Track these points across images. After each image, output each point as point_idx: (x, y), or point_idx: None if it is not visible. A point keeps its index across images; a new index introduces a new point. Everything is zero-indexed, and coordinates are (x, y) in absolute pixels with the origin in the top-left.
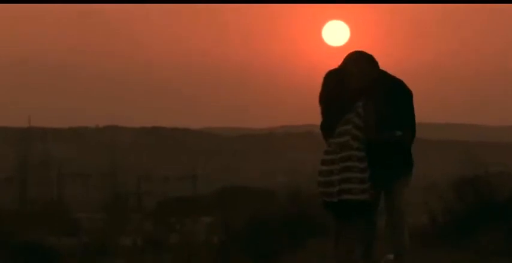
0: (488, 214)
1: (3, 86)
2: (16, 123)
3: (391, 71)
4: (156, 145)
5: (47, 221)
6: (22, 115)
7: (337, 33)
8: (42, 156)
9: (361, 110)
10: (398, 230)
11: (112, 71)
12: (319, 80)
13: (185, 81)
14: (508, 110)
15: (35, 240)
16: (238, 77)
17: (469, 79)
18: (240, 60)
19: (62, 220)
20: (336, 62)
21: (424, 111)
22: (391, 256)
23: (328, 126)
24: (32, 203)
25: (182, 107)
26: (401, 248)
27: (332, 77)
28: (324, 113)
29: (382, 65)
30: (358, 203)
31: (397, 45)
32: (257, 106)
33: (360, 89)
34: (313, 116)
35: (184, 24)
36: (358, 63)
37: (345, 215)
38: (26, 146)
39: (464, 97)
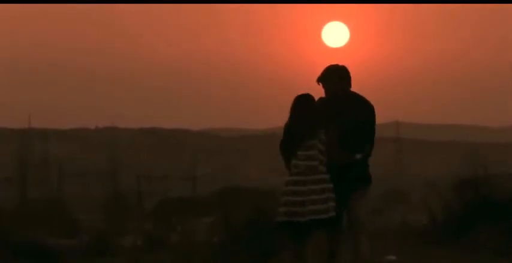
0: (488, 213)
1: (2, 86)
2: (16, 124)
3: (390, 71)
4: (155, 146)
5: (47, 221)
6: (22, 115)
7: (336, 35)
8: (42, 156)
9: (323, 137)
10: (358, 237)
11: (112, 71)
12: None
13: (185, 82)
14: (508, 111)
15: (35, 240)
16: (238, 77)
17: (468, 79)
18: (239, 60)
19: (62, 220)
20: (335, 63)
21: (423, 112)
22: (392, 257)
23: (291, 149)
24: (32, 203)
25: (182, 107)
26: (356, 253)
27: (300, 103)
28: (288, 136)
29: (383, 66)
30: (326, 221)
31: (396, 46)
32: (257, 107)
33: (324, 115)
34: None
35: (184, 24)
36: (329, 80)
37: (306, 234)
38: (26, 146)
39: (463, 98)
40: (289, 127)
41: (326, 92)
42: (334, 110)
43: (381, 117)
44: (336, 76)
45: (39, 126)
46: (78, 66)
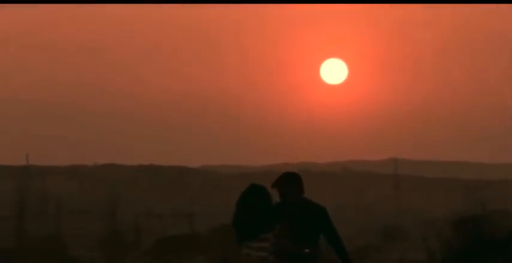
0: (486, 250)
1: (0, 124)
2: (14, 161)
3: (389, 109)
4: (154, 182)
5: (45, 258)
6: (20, 153)
7: (335, 72)
8: (41, 193)
9: (277, 231)
10: None
11: (109, 108)
12: (318, 119)
13: (183, 119)
14: (506, 148)
15: None
16: (236, 114)
17: (466, 116)
18: (238, 98)
19: (60, 257)
20: (333, 101)
21: (421, 149)
22: None
23: (243, 238)
24: (31, 240)
25: (180, 145)
26: None
27: (254, 195)
28: (240, 227)
29: (381, 102)
30: None
31: (395, 82)
32: (255, 144)
33: (277, 210)
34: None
35: (183, 60)
36: (283, 185)
37: None
38: (24, 184)
39: (461, 134)
40: (245, 218)
41: (281, 197)
42: (288, 212)
43: (379, 154)
44: (290, 183)
45: (37, 163)
46: (75, 102)
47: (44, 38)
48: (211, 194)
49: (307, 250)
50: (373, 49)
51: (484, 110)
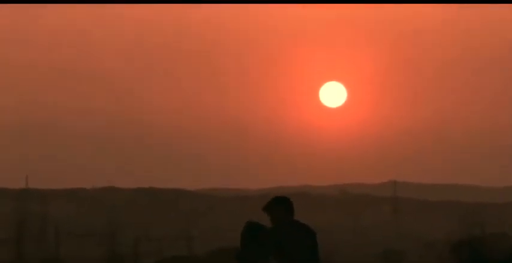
0: None
1: (0, 147)
2: (13, 185)
3: (387, 132)
4: (152, 205)
5: None
6: (19, 176)
7: (334, 95)
8: (40, 217)
9: (273, 256)
10: None
11: (108, 131)
12: (317, 142)
13: (181, 143)
14: (503, 171)
15: None
16: (234, 138)
17: (465, 140)
18: (236, 121)
19: None
20: (333, 124)
21: (420, 171)
22: None
23: None
24: None
25: (178, 167)
26: None
27: (248, 233)
28: (242, 260)
29: (380, 125)
30: None
31: (394, 105)
32: (253, 167)
33: (272, 242)
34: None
35: (182, 85)
36: (273, 210)
37: None
38: (24, 207)
39: (460, 158)
40: (242, 255)
41: (272, 221)
42: (280, 238)
43: (378, 177)
44: (280, 207)
45: (36, 186)
46: (74, 126)
47: (46, 62)
48: (209, 217)
49: None
50: (372, 71)
51: (482, 134)
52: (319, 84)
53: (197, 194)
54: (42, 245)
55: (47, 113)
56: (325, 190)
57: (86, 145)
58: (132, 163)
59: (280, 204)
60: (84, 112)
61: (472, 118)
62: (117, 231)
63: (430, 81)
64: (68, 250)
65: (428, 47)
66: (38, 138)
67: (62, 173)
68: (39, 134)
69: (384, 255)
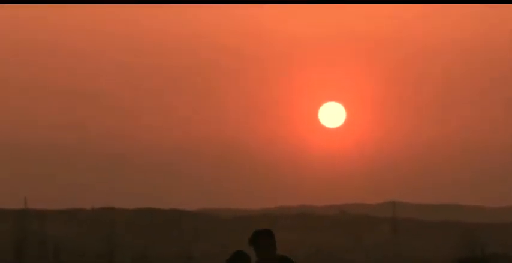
0: None
1: None
2: (12, 205)
3: (387, 152)
4: (152, 226)
5: None
6: (18, 197)
7: (333, 115)
8: (39, 237)
9: None
10: None
11: (108, 151)
12: (316, 162)
13: (181, 162)
14: (503, 191)
15: None
16: (233, 158)
17: (464, 160)
18: (236, 141)
19: None
20: (332, 144)
21: (419, 192)
22: None
23: None
24: None
25: (178, 188)
26: None
27: (233, 262)
28: None
29: (379, 146)
30: None
31: (392, 126)
32: (253, 187)
33: None
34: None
35: (181, 105)
36: (256, 243)
37: None
38: (23, 227)
39: (459, 178)
40: None
41: (256, 254)
42: None
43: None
44: (263, 241)
45: (35, 206)
46: (74, 146)
47: (42, 81)
48: (209, 238)
49: None
50: (371, 92)
51: (482, 154)
52: (319, 105)
53: (197, 214)
54: None
55: (45, 133)
56: (325, 210)
57: (85, 165)
58: (132, 184)
59: (262, 237)
60: (84, 132)
61: (471, 138)
62: (116, 251)
63: (430, 102)
64: None
65: (429, 67)
66: (37, 158)
67: (61, 194)
68: (38, 154)
69: None
